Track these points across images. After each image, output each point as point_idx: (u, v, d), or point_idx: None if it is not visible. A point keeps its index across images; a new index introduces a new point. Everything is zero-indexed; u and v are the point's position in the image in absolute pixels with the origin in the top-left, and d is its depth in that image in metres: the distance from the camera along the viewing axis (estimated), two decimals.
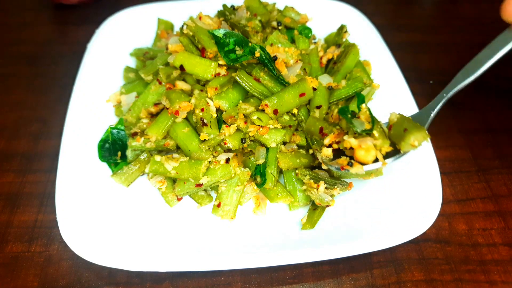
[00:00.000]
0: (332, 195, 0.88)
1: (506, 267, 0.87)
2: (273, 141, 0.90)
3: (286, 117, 0.93)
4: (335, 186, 0.88)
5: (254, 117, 0.88)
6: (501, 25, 0.84)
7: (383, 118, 1.04)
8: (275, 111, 0.89)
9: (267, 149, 0.92)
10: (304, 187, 0.90)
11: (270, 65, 0.91)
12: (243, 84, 0.90)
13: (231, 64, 0.91)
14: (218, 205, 0.88)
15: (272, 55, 0.93)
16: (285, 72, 0.95)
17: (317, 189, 0.87)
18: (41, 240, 0.90)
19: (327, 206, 0.88)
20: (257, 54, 0.90)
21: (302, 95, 0.90)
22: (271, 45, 0.98)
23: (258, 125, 0.89)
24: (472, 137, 1.11)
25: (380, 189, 0.91)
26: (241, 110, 0.90)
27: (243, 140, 0.90)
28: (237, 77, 0.89)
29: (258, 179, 0.91)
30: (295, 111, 0.94)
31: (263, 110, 0.90)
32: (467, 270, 0.87)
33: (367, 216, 0.87)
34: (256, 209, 0.90)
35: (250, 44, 0.91)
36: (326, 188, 0.87)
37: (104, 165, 0.95)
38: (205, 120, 0.88)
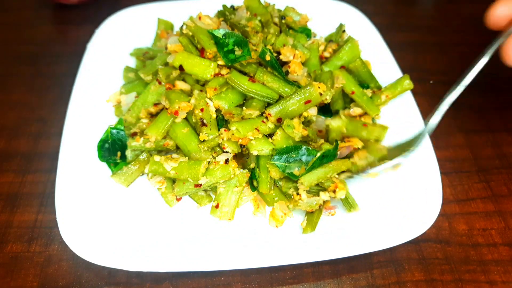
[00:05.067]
0: (319, 200, 0.86)
1: (506, 267, 0.87)
2: (256, 150, 0.87)
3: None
4: (321, 192, 0.87)
5: (233, 128, 0.86)
6: None
7: (383, 118, 1.04)
8: (279, 120, 0.88)
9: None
10: (291, 205, 0.88)
11: (279, 69, 0.91)
12: (236, 87, 0.90)
13: (230, 64, 0.91)
14: (217, 206, 0.88)
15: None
16: (300, 72, 0.94)
17: (300, 199, 0.86)
18: (41, 240, 0.90)
19: (320, 207, 0.87)
20: (268, 58, 0.90)
21: (308, 102, 0.88)
22: (283, 46, 0.98)
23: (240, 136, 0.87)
24: (472, 137, 1.11)
25: (380, 189, 0.91)
26: (246, 116, 0.89)
27: (241, 144, 0.90)
28: (228, 80, 0.89)
29: (255, 183, 0.90)
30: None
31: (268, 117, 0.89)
32: (467, 270, 0.87)
33: (367, 216, 0.87)
34: (256, 211, 0.90)
35: (262, 48, 0.91)
36: (308, 192, 0.87)
37: (104, 165, 0.95)
38: (204, 121, 0.88)
